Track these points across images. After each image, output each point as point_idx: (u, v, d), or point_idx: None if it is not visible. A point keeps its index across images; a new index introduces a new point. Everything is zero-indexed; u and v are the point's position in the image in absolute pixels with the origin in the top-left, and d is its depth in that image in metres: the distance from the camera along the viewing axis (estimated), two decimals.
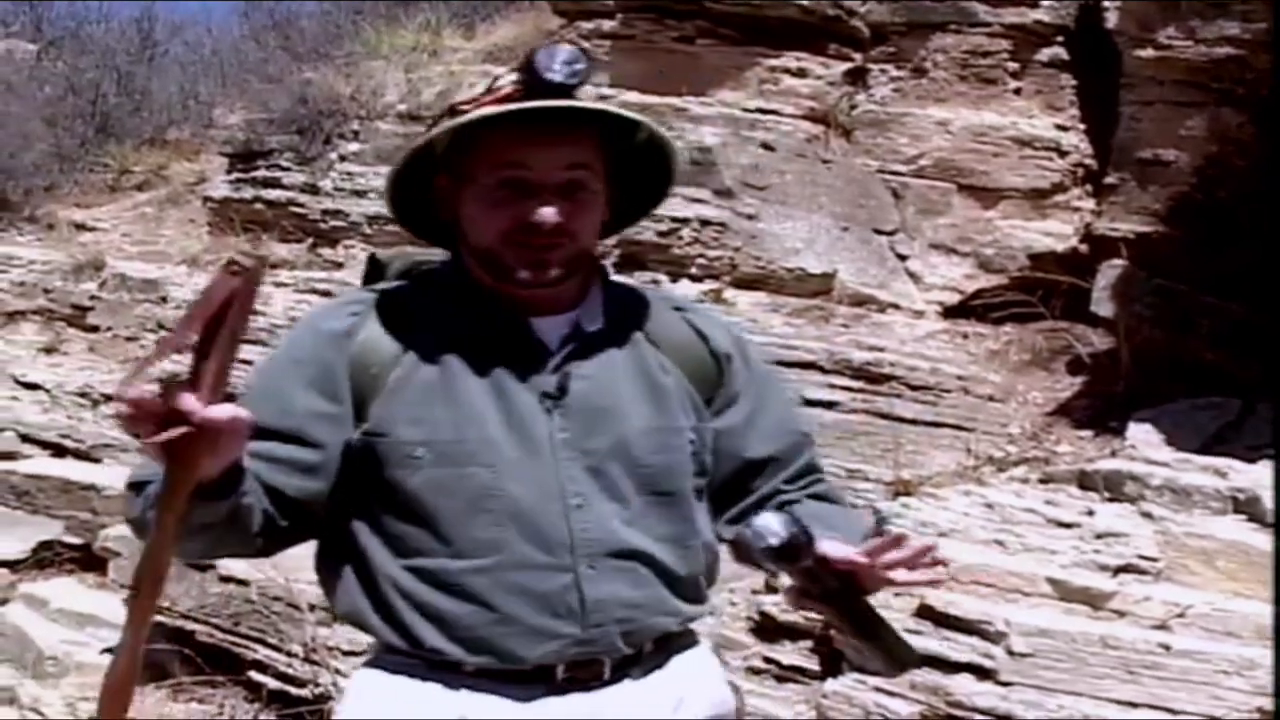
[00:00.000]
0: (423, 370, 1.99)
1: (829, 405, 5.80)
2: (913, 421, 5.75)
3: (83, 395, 7.90)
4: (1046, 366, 6.25)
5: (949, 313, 6.78)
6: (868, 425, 5.75)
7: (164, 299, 8.21)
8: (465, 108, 1.99)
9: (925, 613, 3.89)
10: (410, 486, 1.97)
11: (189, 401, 1.66)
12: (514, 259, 1.97)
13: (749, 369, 2.15)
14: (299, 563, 5.11)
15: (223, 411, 1.68)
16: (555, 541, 1.96)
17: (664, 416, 2.05)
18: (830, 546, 1.88)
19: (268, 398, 1.96)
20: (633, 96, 7.24)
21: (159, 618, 5.76)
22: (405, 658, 2.01)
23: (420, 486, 1.97)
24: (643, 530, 2.01)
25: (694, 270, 6.56)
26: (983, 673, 3.76)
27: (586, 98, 1.97)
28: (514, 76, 1.97)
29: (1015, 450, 5.54)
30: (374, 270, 2.19)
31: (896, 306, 6.69)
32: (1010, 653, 3.75)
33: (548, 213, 1.94)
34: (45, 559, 6.83)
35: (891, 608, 3.96)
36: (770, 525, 1.82)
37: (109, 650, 5.84)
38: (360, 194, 7.76)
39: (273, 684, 5.17)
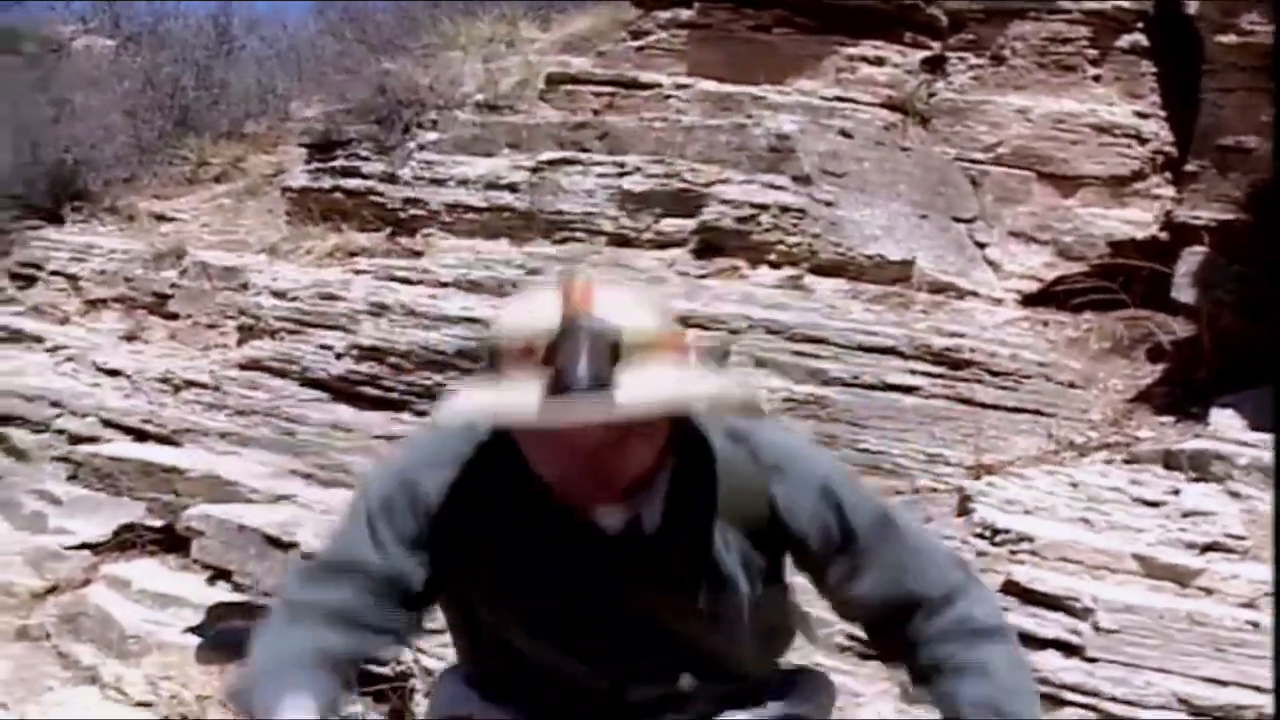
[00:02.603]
0: (494, 543, 2.08)
1: (909, 390, 5.80)
2: (993, 407, 5.73)
3: (164, 381, 7.97)
4: (1127, 354, 6.21)
5: (1028, 301, 6.75)
6: (948, 410, 5.74)
7: (244, 286, 8.28)
8: (507, 350, 1.89)
9: (1011, 589, 3.88)
10: (479, 634, 2.18)
11: None
12: (566, 497, 1.99)
13: (846, 532, 2.05)
14: None
15: None
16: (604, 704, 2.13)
17: (721, 602, 2.07)
18: None
19: (359, 540, 2.11)
20: (710, 85, 7.28)
21: (243, 597, 5.82)
22: None
23: (487, 641, 2.17)
24: (697, 694, 2.14)
25: (773, 257, 6.56)
26: (1069, 649, 3.76)
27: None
28: (546, 341, 1.85)
29: (1096, 436, 5.51)
30: None
31: (975, 294, 6.67)
32: (1097, 629, 3.74)
33: (587, 472, 1.93)
34: (127, 540, 6.88)
35: None
36: None
37: (191, 630, 5.92)
38: (439, 182, 7.80)
39: None
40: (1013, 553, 3.97)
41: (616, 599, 2.07)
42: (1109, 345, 6.28)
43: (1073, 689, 3.69)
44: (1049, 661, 3.74)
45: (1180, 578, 3.92)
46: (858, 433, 5.71)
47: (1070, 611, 3.79)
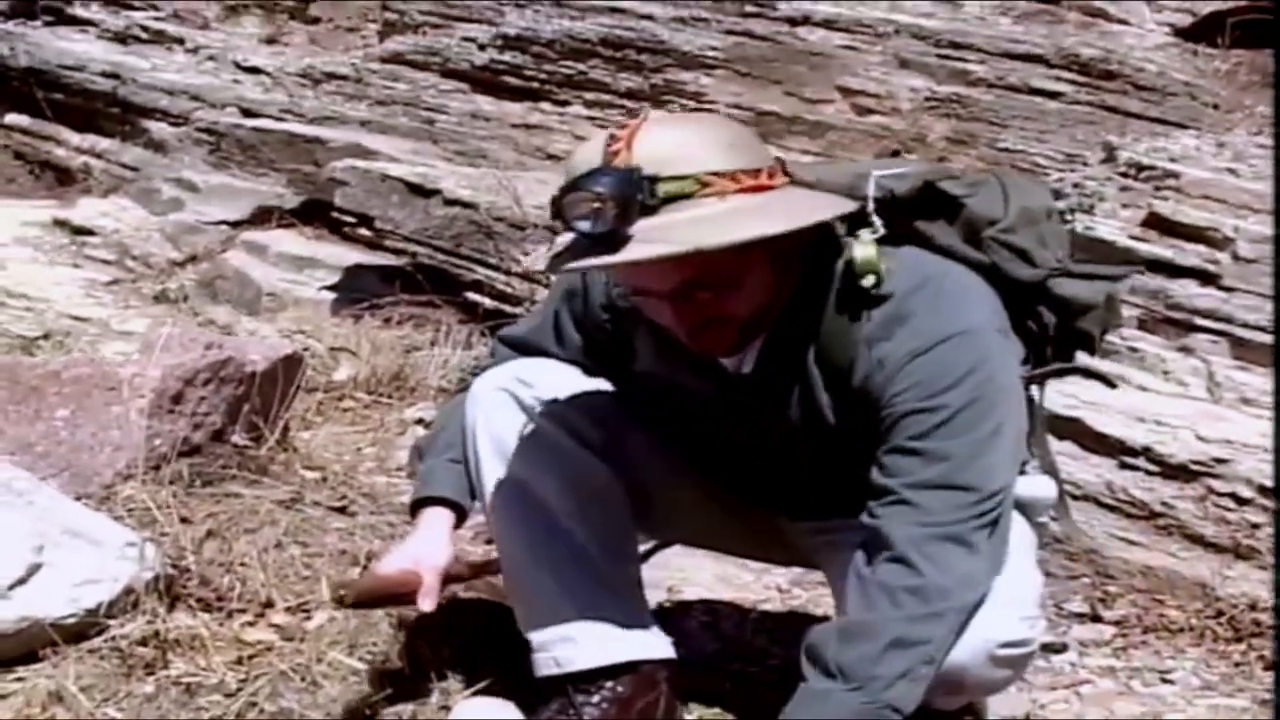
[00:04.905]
0: (643, 344, 2.21)
1: (1053, 95, 5.80)
2: (1137, 116, 5.71)
3: (304, 75, 8.08)
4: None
5: (1180, 34, 6.65)
6: (1091, 115, 5.72)
7: None
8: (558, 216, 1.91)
9: (1153, 222, 3.92)
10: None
11: None
12: (686, 343, 2.01)
13: (895, 408, 1.95)
14: (529, 186, 5.25)
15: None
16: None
17: (823, 450, 2.10)
18: None
19: (544, 326, 2.34)
20: None
21: (379, 258, 5.95)
22: None
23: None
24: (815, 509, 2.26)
25: None
26: (1206, 277, 3.79)
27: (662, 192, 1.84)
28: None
29: None
30: None
31: (1126, 22, 6.58)
32: (1236, 258, 3.77)
33: (677, 322, 1.96)
34: (265, 213, 7.00)
35: (1119, 217, 4.00)
36: None
37: (329, 288, 6.07)
38: None
39: (489, 303, 5.32)
40: (1156, 189, 4.00)
41: (733, 432, 2.17)
42: (1259, 78, 6.18)
43: (1206, 314, 3.74)
44: (1185, 289, 3.80)
45: None
46: (998, 132, 5.74)
47: (1210, 243, 3.82)
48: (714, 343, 2.00)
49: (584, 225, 1.81)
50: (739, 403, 2.12)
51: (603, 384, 2.29)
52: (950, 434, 1.90)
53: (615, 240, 1.81)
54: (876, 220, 1.98)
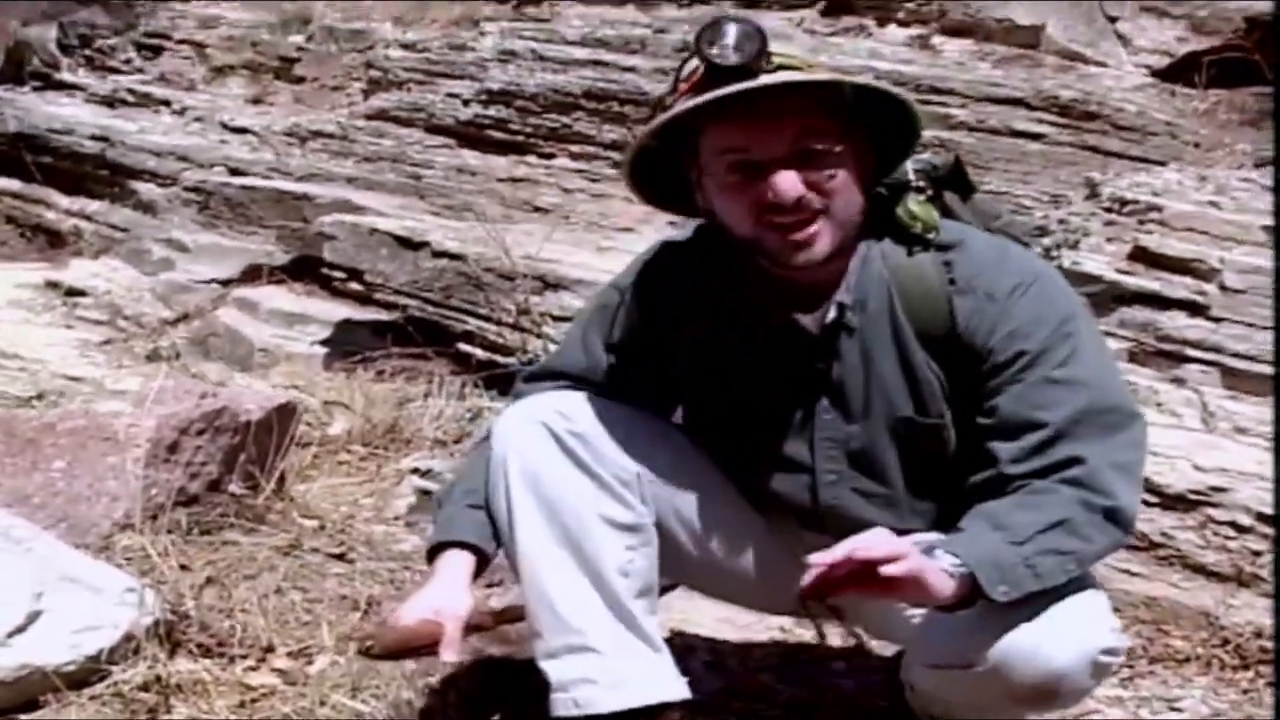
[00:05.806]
0: (700, 348, 2.22)
1: (1035, 137, 5.85)
2: (1119, 155, 5.76)
3: (290, 134, 8.13)
4: (1256, 125, 6.16)
5: (1157, 75, 6.70)
6: (1073, 156, 5.77)
7: (370, 47, 8.40)
8: (667, 100, 2.03)
9: (1139, 255, 3.95)
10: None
11: None
12: (773, 242, 2.02)
13: (1016, 349, 2.02)
14: (517, 238, 5.26)
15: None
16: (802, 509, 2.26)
17: (921, 410, 2.10)
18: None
19: (570, 346, 2.36)
20: None
21: (370, 313, 5.97)
22: None
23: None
24: (894, 515, 2.17)
25: (901, 15, 6.60)
26: (1195, 308, 3.82)
27: (776, 61, 1.96)
28: (695, 61, 1.99)
29: None
30: None
31: (1104, 65, 6.64)
32: (1223, 289, 3.80)
33: (784, 185, 1.96)
34: (255, 271, 7.02)
35: (1105, 251, 4.03)
36: None
37: (321, 342, 6.08)
38: None
39: (481, 354, 5.32)
40: (1141, 222, 4.04)
41: (823, 401, 2.16)
42: (1238, 117, 6.24)
43: (1195, 345, 3.77)
44: (1174, 320, 3.83)
45: None
46: (981, 174, 5.75)
47: (1196, 274, 3.86)
48: (811, 239, 2.00)
49: (729, 56, 1.91)
50: (818, 369, 2.13)
51: (634, 414, 2.27)
52: (1080, 360, 2.00)
53: (747, 70, 1.92)
54: (921, 183, 2.12)
